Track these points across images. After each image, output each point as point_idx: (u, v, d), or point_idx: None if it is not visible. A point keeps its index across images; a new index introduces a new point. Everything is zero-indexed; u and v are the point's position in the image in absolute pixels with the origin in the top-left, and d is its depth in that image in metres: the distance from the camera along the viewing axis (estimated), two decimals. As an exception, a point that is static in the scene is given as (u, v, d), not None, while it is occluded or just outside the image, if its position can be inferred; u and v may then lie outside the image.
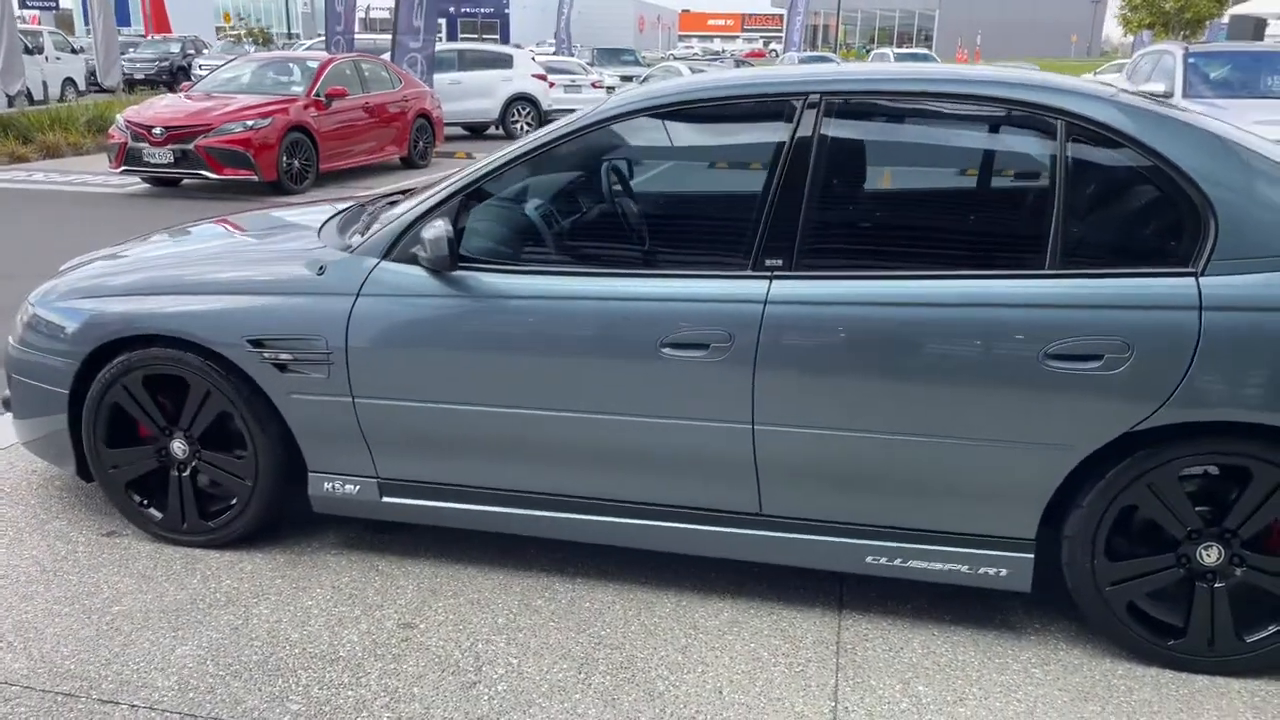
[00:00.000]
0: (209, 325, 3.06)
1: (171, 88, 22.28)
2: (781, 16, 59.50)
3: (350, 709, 2.53)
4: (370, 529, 3.46)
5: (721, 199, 3.04)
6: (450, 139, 16.20)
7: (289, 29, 56.33)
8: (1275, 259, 2.46)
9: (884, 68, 2.97)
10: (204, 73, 18.58)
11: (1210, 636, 2.63)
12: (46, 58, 21.93)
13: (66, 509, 3.58)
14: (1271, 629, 2.61)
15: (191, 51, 28.68)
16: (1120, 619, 2.68)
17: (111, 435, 3.27)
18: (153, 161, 10.62)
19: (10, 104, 15.77)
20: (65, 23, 41.42)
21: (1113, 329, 2.48)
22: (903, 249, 2.71)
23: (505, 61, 18.45)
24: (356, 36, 16.76)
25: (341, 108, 11.72)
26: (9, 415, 3.55)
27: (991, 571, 2.73)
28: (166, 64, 27.39)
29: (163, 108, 11.19)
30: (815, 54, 35.22)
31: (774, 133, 2.80)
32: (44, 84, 21.27)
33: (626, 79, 25.35)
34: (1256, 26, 22.37)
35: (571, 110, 16.18)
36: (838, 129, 2.77)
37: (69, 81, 22.74)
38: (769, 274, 2.72)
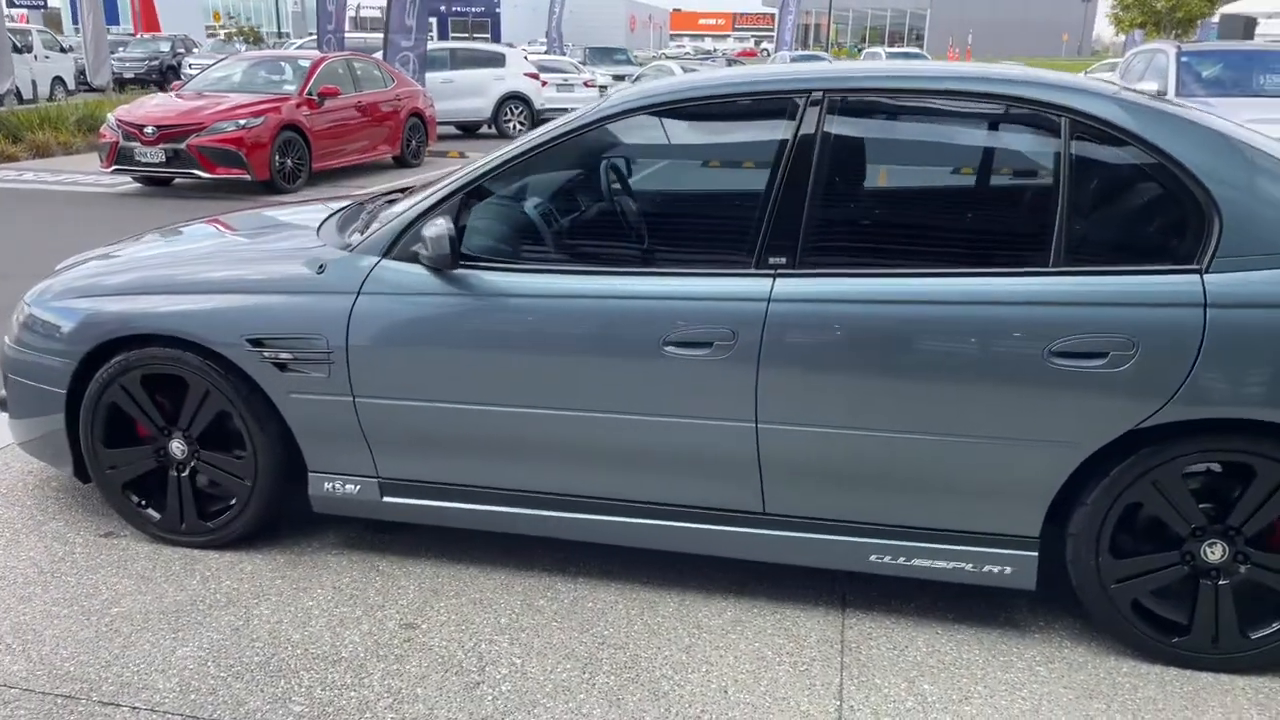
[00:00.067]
0: (208, 324, 3.03)
1: (161, 87, 22.18)
2: (773, 16, 59.52)
3: (353, 710, 2.51)
4: (371, 529, 3.44)
5: (724, 197, 3.03)
6: (443, 138, 16.16)
7: (279, 28, 56.18)
8: (1279, 256, 2.46)
9: (886, 65, 2.97)
10: (194, 72, 18.46)
11: (1215, 634, 2.63)
12: (36, 56, 21.83)
13: (63, 510, 3.55)
14: (1276, 626, 2.61)
15: (181, 50, 28.56)
16: (1125, 616, 2.68)
17: (109, 435, 3.25)
18: (144, 161, 10.57)
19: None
20: (53, 21, 41.21)
21: (1117, 326, 2.48)
22: (906, 247, 2.70)
23: (498, 60, 18.42)
24: (347, 35, 16.70)
25: (334, 106, 11.68)
26: (4, 416, 3.53)
27: (996, 569, 2.73)
28: (156, 63, 27.27)
29: (154, 107, 11.13)
30: (807, 53, 35.23)
31: (777, 130, 2.79)
32: (33, 83, 21.17)
33: (619, 78, 25.34)
34: (1246, 25, 22.48)
35: (564, 109, 16.22)
36: (841, 126, 2.76)
37: (58, 80, 22.64)
38: (772, 272, 2.71)
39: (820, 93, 2.76)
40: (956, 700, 2.56)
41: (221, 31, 47.26)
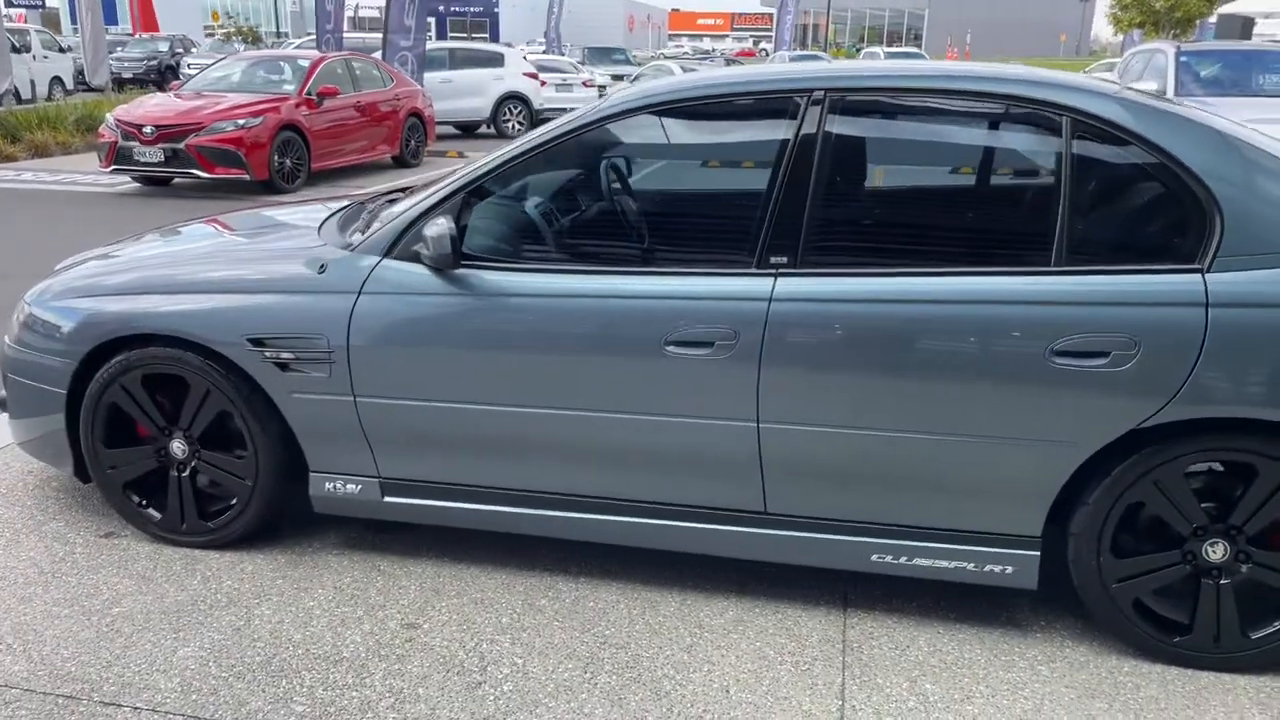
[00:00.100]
0: (209, 324, 3.03)
1: (160, 87, 22.15)
2: (771, 15, 59.53)
3: (355, 710, 2.51)
4: (371, 529, 3.44)
5: (726, 197, 3.03)
6: (442, 138, 16.16)
7: (277, 28, 56.15)
8: (1280, 255, 2.46)
9: (888, 65, 2.97)
10: (193, 71, 18.47)
11: (1216, 633, 2.63)
12: (34, 56, 21.81)
13: (63, 510, 3.55)
14: (1277, 625, 2.61)
15: (180, 50, 28.54)
16: (1126, 616, 2.68)
17: (110, 435, 3.24)
18: (143, 160, 10.56)
19: (-2, 103, 15.68)
20: (51, 21, 41.20)
21: (1119, 326, 2.48)
22: (908, 246, 2.70)
23: (497, 60, 18.42)
24: (345, 35, 16.70)
25: (333, 106, 11.68)
26: (4, 415, 3.52)
27: (997, 569, 2.73)
28: (155, 63, 27.24)
29: (153, 106, 11.13)
30: (805, 53, 35.26)
31: (778, 130, 2.79)
32: (31, 83, 21.15)
33: (618, 78, 25.35)
34: (1244, 25, 22.51)
35: (563, 109, 16.20)
36: (842, 126, 2.76)
37: (57, 80, 22.62)
38: (774, 271, 2.71)
39: (822, 92, 2.76)
40: (959, 700, 2.56)
41: (220, 31, 47.22)
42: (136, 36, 31.30)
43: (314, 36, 16.94)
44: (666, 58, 39.29)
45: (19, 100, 17.59)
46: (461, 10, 48.83)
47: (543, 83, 18.82)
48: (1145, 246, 2.55)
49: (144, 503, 3.30)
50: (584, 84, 20.59)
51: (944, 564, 2.76)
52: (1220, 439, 2.52)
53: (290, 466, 3.17)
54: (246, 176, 10.45)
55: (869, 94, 2.79)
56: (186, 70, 24.44)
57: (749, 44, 79.92)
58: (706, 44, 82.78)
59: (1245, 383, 2.44)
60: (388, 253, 2.97)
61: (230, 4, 63.86)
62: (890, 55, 31.75)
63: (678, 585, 3.09)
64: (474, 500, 3.04)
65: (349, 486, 3.12)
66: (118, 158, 10.66)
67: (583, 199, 3.29)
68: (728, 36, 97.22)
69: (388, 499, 3.11)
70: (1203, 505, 2.59)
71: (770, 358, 2.67)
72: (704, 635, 2.84)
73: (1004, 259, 2.61)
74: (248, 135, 10.41)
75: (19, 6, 28.76)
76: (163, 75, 26.32)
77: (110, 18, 30.09)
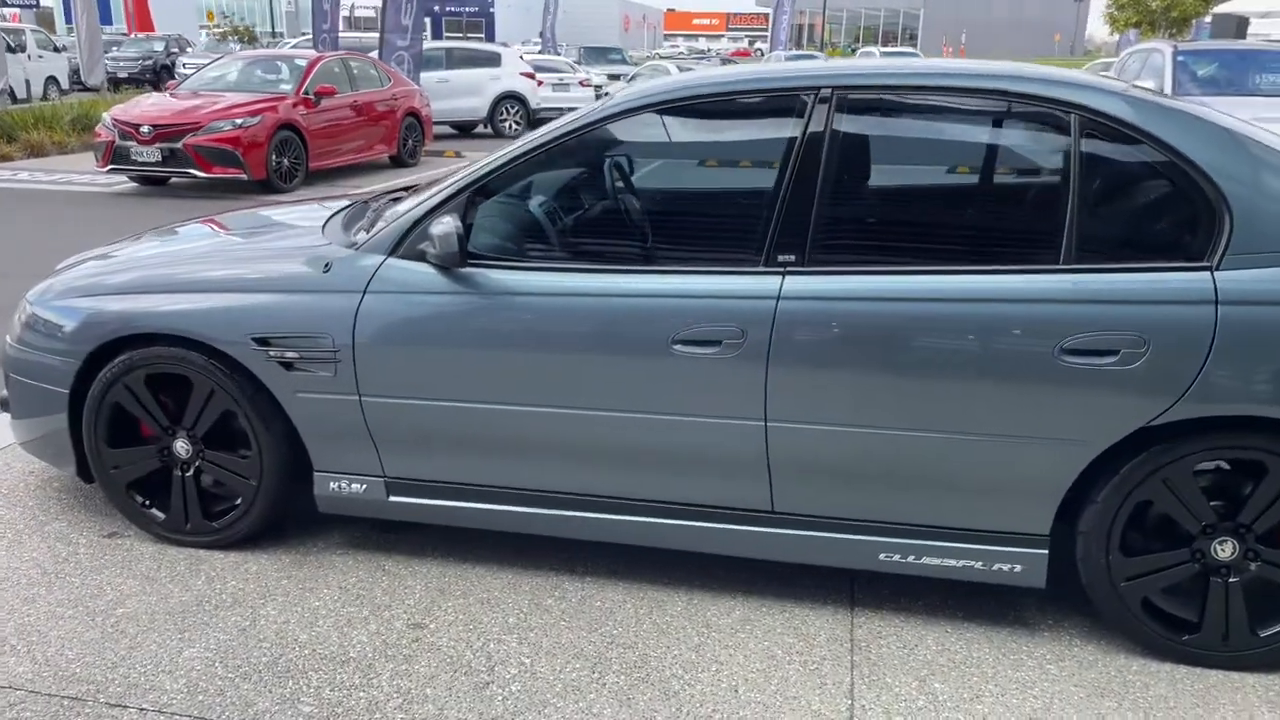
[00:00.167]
0: (213, 323, 3.02)
1: (156, 86, 22.13)
2: (766, 15, 59.50)
3: (362, 710, 2.50)
4: (377, 528, 3.43)
5: (733, 195, 3.02)
6: (439, 138, 16.12)
7: (273, 27, 56.02)
8: (1290, 253, 2.46)
9: (894, 63, 2.95)
10: (188, 71, 18.45)
11: (1225, 632, 2.63)
12: (29, 56, 21.76)
13: (66, 510, 3.53)
14: (1286, 623, 2.61)
15: (175, 50, 28.48)
16: (1135, 614, 2.68)
17: (113, 435, 3.23)
18: (140, 160, 10.53)
19: (-7, 103, 15.63)
20: (46, 21, 41.12)
21: (1128, 324, 2.47)
22: (916, 244, 2.69)
23: (494, 60, 18.41)
24: (341, 35, 16.67)
25: (330, 106, 11.65)
26: (6, 415, 3.50)
27: (1006, 568, 2.72)
28: (150, 62, 27.19)
29: (150, 106, 11.10)
30: (801, 53, 35.24)
31: (785, 128, 2.78)
32: (26, 82, 21.10)
33: (614, 78, 25.34)
34: (1239, 25, 22.53)
35: (560, 109, 16.16)
36: (850, 124, 2.76)
37: (52, 80, 22.57)
38: (781, 270, 2.70)
39: (829, 90, 2.76)
40: (968, 699, 2.56)
41: (215, 30, 47.14)
42: (132, 36, 31.21)
43: (309, 36, 16.90)
44: (662, 58, 39.28)
45: (14, 100, 17.55)
46: (457, 10, 48.78)
47: (540, 82, 18.81)
48: (1154, 244, 2.55)
49: (147, 503, 3.28)
50: (580, 84, 20.58)
51: (952, 563, 2.75)
52: (1229, 437, 2.52)
53: (295, 466, 3.16)
54: (244, 176, 10.42)
55: (876, 92, 2.78)
56: (182, 70, 24.40)
57: (744, 44, 79.92)
58: (702, 44, 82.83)
59: (1254, 381, 2.43)
60: (393, 251, 2.96)
61: (226, 3, 63.75)
62: (886, 55, 31.75)
63: (685, 585, 3.08)
64: (480, 500, 3.03)
65: (354, 486, 3.11)
66: (115, 157, 10.63)
67: (589, 198, 3.28)
68: (723, 36, 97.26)
69: (393, 498, 3.10)
70: (1211, 503, 2.59)
71: (778, 356, 2.66)
72: (712, 635, 2.83)
73: (1013, 257, 2.60)
74: (245, 135, 10.39)
75: (13, 6, 28.68)
76: (158, 75, 26.27)
77: (105, 17, 30.01)
